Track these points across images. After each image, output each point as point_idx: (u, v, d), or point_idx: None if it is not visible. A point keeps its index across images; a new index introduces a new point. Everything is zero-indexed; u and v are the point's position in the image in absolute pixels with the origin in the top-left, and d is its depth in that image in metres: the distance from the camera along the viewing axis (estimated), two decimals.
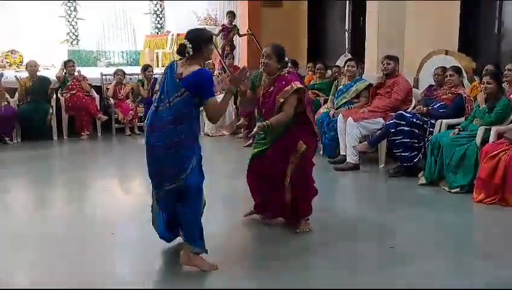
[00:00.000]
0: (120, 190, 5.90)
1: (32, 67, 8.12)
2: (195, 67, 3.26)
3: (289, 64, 4.10)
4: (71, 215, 4.72)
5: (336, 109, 6.70)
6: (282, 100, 3.79)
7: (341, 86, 6.80)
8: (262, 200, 4.24)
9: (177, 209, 3.38)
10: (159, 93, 3.37)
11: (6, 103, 7.91)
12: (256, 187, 4.21)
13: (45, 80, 8.21)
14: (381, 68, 6.25)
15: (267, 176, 4.03)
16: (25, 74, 8.42)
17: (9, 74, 8.75)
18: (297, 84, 3.82)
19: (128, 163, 6.97)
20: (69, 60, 9.10)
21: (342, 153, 6.30)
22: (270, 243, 3.96)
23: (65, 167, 6.81)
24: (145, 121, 3.45)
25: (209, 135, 8.51)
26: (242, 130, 8.34)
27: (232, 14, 10.10)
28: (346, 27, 9.62)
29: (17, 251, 3.82)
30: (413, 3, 7.02)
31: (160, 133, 3.25)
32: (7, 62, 11.30)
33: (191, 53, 3.27)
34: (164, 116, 3.25)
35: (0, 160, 6.95)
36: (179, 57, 3.44)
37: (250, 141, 6.90)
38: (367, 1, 7.47)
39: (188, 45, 3.26)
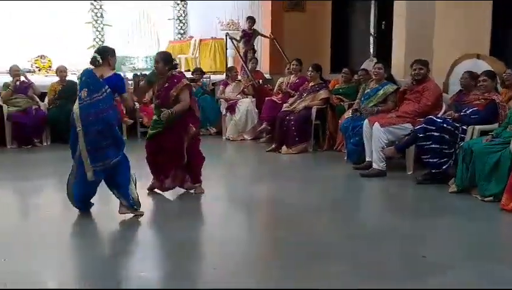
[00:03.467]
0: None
1: (62, 72, 8.12)
2: (111, 72, 4.36)
3: (177, 66, 5.19)
4: (101, 215, 4.53)
5: (361, 114, 6.38)
6: (175, 93, 4.83)
7: (368, 90, 6.50)
8: (159, 173, 5.03)
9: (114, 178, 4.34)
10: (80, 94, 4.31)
11: (36, 106, 7.95)
12: (154, 162, 5.02)
13: (74, 84, 8.03)
14: (412, 73, 5.90)
15: (163, 152, 4.90)
16: (54, 79, 8.43)
17: (39, 79, 8.85)
18: (185, 81, 4.92)
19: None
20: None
21: (367, 158, 5.98)
22: (291, 249, 3.74)
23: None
24: None
25: (230, 140, 8.28)
26: (264, 134, 8.08)
27: (251, 19, 9.86)
28: (371, 30, 9.30)
29: (46, 250, 3.72)
30: (443, 4, 6.65)
31: (102, 117, 4.23)
32: (36, 67, 11.28)
33: (100, 62, 4.32)
34: (96, 107, 4.22)
35: (30, 162, 6.93)
36: None
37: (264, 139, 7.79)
38: (395, 1, 7.13)
39: (98, 57, 4.32)
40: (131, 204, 4.34)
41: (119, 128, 4.48)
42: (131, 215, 4.35)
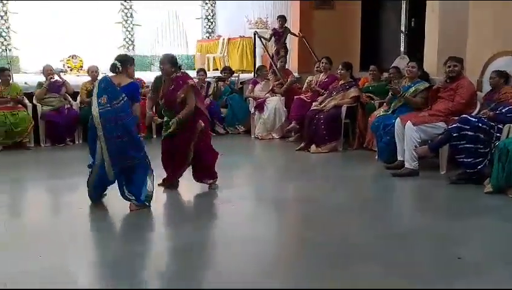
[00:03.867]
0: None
1: (93, 72, 8.19)
2: (128, 80, 4.58)
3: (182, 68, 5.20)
4: (129, 213, 4.56)
5: (393, 112, 6.28)
6: (182, 95, 4.93)
7: (400, 88, 6.38)
8: (171, 171, 5.22)
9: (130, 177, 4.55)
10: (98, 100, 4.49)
11: (69, 106, 8.06)
12: (168, 160, 5.18)
13: None
14: (446, 70, 5.78)
15: (176, 151, 5.08)
16: (85, 78, 8.54)
17: (70, 79, 8.93)
18: (191, 82, 5.03)
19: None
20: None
21: (399, 158, 5.87)
22: (320, 250, 3.68)
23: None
24: None
25: (259, 138, 8.25)
26: (293, 133, 8.03)
27: (282, 18, 9.81)
28: (402, 28, 9.14)
29: (77, 247, 3.75)
30: (477, 1, 6.49)
31: (115, 126, 4.43)
32: (68, 67, 11.44)
33: (120, 70, 4.55)
34: (111, 116, 4.41)
35: (63, 160, 7.02)
36: None
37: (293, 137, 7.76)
38: (427, 1, 7.01)
39: (118, 64, 4.54)
40: (142, 201, 4.53)
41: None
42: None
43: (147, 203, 4.57)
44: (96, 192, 4.72)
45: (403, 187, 5.49)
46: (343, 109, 7.16)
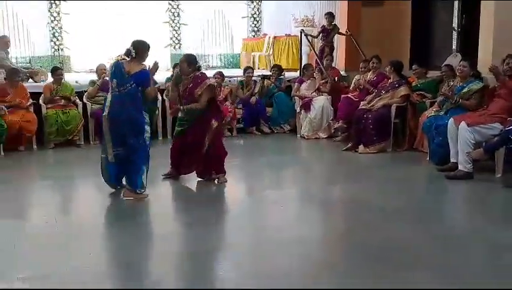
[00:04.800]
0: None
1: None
2: (140, 67, 4.72)
3: (200, 67, 5.49)
4: (168, 213, 4.66)
5: (446, 113, 6.06)
6: (200, 92, 5.22)
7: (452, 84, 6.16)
8: (179, 164, 5.48)
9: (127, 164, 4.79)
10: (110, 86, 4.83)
11: None
12: (177, 156, 5.47)
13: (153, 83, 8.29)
14: (504, 68, 5.52)
15: (188, 146, 5.32)
16: None
17: None
18: (209, 82, 5.32)
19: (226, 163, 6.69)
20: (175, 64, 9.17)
21: (452, 160, 5.65)
22: (370, 253, 3.58)
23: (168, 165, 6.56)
24: None
25: (305, 138, 8.15)
26: (340, 133, 7.89)
27: (330, 15, 9.67)
28: (454, 25, 8.83)
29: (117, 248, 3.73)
30: None
31: (126, 108, 4.69)
32: (116, 62, 11.58)
33: (133, 55, 4.72)
34: (121, 99, 4.69)
35: None
36: None
37: (338, 136, 7.86)
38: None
39: (132, 50, 4.73)
40: (135, 187, 4.76)
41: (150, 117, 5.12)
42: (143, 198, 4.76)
43: (139, 191, 4.76)
44: (114, 178, 4.97)
45: (455, 190, 5.30)
46: (393, 108, 6.98)
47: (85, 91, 8.15)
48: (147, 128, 4.85)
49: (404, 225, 4.22)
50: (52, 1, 11.63)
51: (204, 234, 4.04)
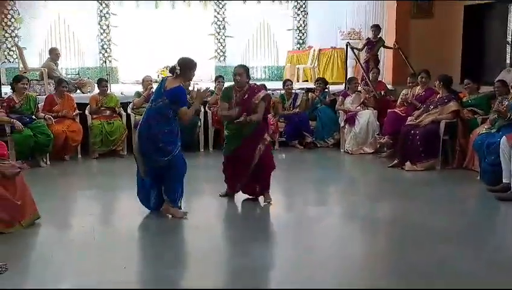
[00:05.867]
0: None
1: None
2: (177, 83, 4.56)
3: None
4: (210, 227, 4.61)
5: (498, 131, 5.78)
6: (257, 102, 5.06)
7: (506, 102, 5.87)
8: (234, 181, 5.29)
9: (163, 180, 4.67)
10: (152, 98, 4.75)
11: None
12: (231, 174, 5.28)
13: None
14: None
15: (239, 162, 5.15)
16: None
17: None
18: (264, 92, 5.21)
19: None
20: (218, 76, 9.22)
21: (504, 180, 5.37)
22: (415, 276, 3.47)
23: (211, 178, 6.29)
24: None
25: (349, 153, 7.97)
26: (385, 148, 7.67)
27: (376, 28, 9.49)
28: (509, 38, 8.48)
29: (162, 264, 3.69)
30: None
31: (152, 123, 4.53)
32: (162, 77, 11.73)
33: (178, 73, 4.58)
34: (152, 114, 4.57)
35: None
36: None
37: (383, 150, 7.67)
38: None
39: (177, 68, 4.57)
40: (177, 205, 4.70)
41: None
42: (181, 216, 4.67)
43: (177, 206, 4.71)
44: (144, 194, 4.81)
45: (508, 212, 5.05)
46: (442, 125, 6.72)
47: (130, 102, 8.27)
48: (173, 147, 4.59)
49: (453, 248, 4.04)
50: (102, 15, 11.97)
51: (247, 251, 3.96)
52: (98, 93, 8.12)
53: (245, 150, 5.11)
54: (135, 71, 11.40)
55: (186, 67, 4.60)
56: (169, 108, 4.50)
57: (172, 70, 4.61)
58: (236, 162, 5.19)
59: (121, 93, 8.66)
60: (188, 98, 5.15)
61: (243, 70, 5.10)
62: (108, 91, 8.29)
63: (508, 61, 8.48)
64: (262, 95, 5.10)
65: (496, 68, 8.27)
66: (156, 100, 4.56)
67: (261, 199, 5.26)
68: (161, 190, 4.73)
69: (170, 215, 4.69)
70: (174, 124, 4.57)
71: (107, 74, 9.47)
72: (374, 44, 9.44)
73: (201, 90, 4.87)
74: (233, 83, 5.19)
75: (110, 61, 11.96)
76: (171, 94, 4.50)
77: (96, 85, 8.42)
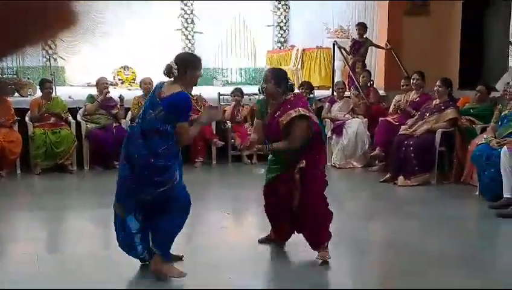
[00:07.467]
0: (236, 227, 5.88)
1: (146, 84, 8.25)
2: (177, 89, 3.79)
3: (295, 89, 4.61)
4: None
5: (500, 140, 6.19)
6: (284, 122, 4.18)
7: (506, 112, 6.29)
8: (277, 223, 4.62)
9: (154, 219, 3.91)
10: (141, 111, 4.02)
11: (117, 124, 8.13)
12: (273, 212, 4.57)
13: None
14: None
15: (280, 201, 4.42)
16: (137, 92, 8.74)
17: (121, 92, 8.86)
18: (302, 110, 4.19)
19: (244, 196, 6.78)
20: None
21: (505, 195, 5.76)
22: None
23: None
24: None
25: (336, 167, 8.26)
26: (376, 161, 8.02)
27: (362, 26, 9.84)
28: (511, 38, 8.96)
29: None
30: None
31: (134, 145, 3.83)
32: (119, 79, 11.76)
33: (176, 74, 3.79)
34: (136, 131, 3.87)
35: (110, 187, 7.03)
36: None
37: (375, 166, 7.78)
38: None
39: (174, 67, 3.80)
40: (168, 257, 3.96)
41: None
42: (178, 276, 3.93)
43: (172, 262, 4.00)
44: (125, 240, 4.08)
45: (510, 231, 5.39)
46: (438, 135, 7.10)
47: (80, 108, 8.21)
48: (169, 177, 3.83)
49: (450, 271, 4.26)
50: None
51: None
52: (41, 96, 7.98)
53: (279, 182, 4.42)
54: (86, 72, 11.37)
55: (187, 66, 3.86)
56: (167, 122, 3.76)
57: (168, 71, 3.84)
58: (276, 198, 4.49)
59: (69, 97, 8.56)
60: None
61: (270, 76, 4.34)
62: (54, 94, 8.21)
63: (510, 63, 8.93)
64: (294, 114, 4.19)
65: (496, 71, 8.69)
66: (148, 111, 3.82)
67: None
68: (147, 235, 3.99)
69: (161, 272, 3.94)
70: (170, 141, 3.82)
71: (51, 74, 9.36)
72: (361, 44, 9.79)
73: (213, 110, 4.23)
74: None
75: (55, 60, 11.88)
76: (170, 103, 3.75)
77: (38, 87, 8.23)
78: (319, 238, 4.38)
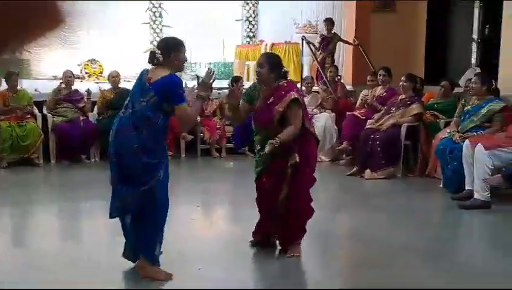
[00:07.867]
0: (205, 220, 5.93)
1: (114, 78, 8.32)
2: (165, 72, 3.69)
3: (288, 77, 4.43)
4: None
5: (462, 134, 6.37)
6: (281, 110, 4.10)
7: (468, 107, 6.46)
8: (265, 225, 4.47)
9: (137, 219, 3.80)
10: (126, 101, 3.86)
11: (84, 117, 8.17)
12: (264, 212, 4.43)
13: (128, 92, 8.41)
14: None
15: (265, 195, 4.33)
16: (105, 86, 8.75)
17: (88, 86, 8.90)
18: (295, 94, 4.13)
19: (214, 189, 6.89)
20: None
21: (467, 187, 5.94)
22: None
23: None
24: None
25: None
26: (344, 155, 8.16)
27: (329, 22, 9.98)
28: (474, 36, 9.18)
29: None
30: None
31: (123, 138, 3.70)
32: (86, 72, 11.65)
33: (160, 60, 3.72)
34: (125, 123, 3.73)
35: (76, 180, 7.18)
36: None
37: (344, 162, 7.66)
38: (504, 1, 7.03)
39: (157, 52, 3.72)
40: (154, 259, 3.85)
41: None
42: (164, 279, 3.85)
43: (155, 263, 3.86)
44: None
45: (472, 222, 5.56)
46: (403, 129, 7.25)
47: (45, 101, 8.21)
48: (154, 175, 3.75)
49: (414, 262, 4.35)
50: None
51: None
52: (7, 89, 7.96)
53: (267, 176, 4.30)
54: (52, 64, 11.31)
55: (170, 49, 3.76)
56: (159, 110, 3.68)
57: (151, 57, 3.77)
58: (262, 194, 4.40)
59: (35, 90, 8.56)
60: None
61: (265, 61, 4.23)
62: (19, 87, 8.19)
63: (474, 60, 9.15)
64: (289, 98, 4.11)
65: (461, 67, 8.91)
66: (138, 100, 3.70)
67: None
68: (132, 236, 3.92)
69: (147, 276, 3.84)
70: (161, 136, 3.80)
71: (17, 67, 9.33)
72: (329, 40, 9.93)
73: (205, 76, 4.00)
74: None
75: (20, 53, 11.73)
76: (161, 87, 3.66)
77: (3, 80, 8.17)
78: (295, 235, 4.36)
